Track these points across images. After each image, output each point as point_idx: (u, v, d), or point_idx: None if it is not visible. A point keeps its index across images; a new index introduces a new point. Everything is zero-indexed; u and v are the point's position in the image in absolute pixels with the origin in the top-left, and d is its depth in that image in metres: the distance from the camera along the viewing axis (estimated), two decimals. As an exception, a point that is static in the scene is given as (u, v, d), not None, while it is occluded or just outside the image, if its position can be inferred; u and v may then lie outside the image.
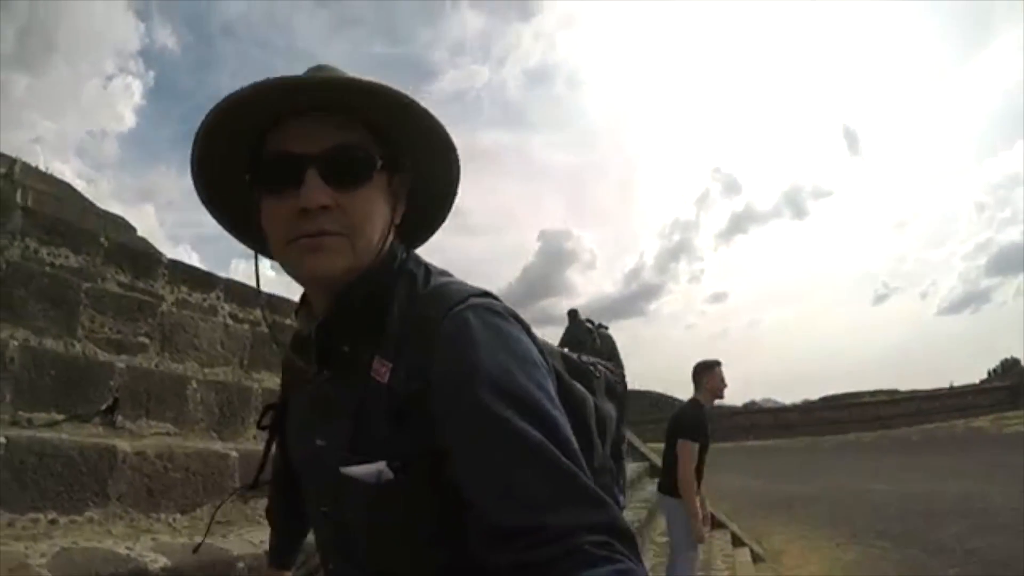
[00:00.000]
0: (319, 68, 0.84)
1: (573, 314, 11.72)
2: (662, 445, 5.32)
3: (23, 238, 3.72)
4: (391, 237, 0.85)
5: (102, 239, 4.32)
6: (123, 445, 2.62)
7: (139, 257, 4.40)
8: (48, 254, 3.85)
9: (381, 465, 0.78)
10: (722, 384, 4.69)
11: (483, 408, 0.70)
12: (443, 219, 0.96)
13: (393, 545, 0.83)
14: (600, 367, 1.07)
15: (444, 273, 0.87)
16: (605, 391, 1.05)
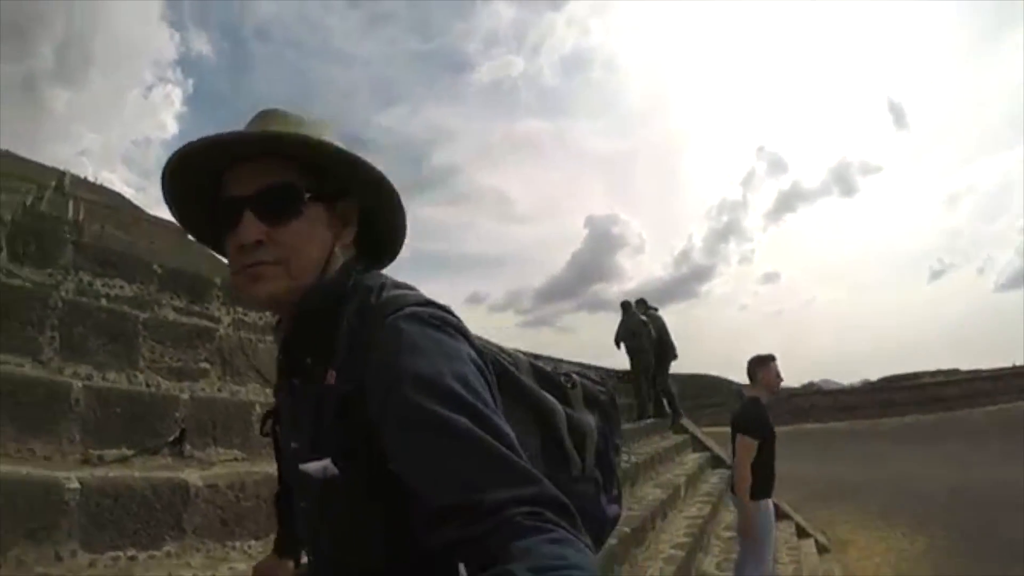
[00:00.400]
0: (263, 115, 0.96)
1: (626, 306, 11.62)
2: (720, 430, 5.26)
3: (76, 272, 3.86)
4: (339, 257, 0.96)
5: (155, 266, 4.45)
6: (195, 479, 2.68)
7: (193, 281, 4.50)
8: (103, 285, 4.01)
9: (327, 461, 0.88)
10: (777, 379, 4.78)
11: (411, 403, 0.76)
12: (399, 239, 1.06)
13: (347, 536, 0.92)
14: (576, 377, 1.12)
15: (400, 286, 0.95)
16: (584, 401, 1.10)
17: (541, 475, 0.74)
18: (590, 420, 1.09)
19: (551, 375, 1.08)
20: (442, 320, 0.87)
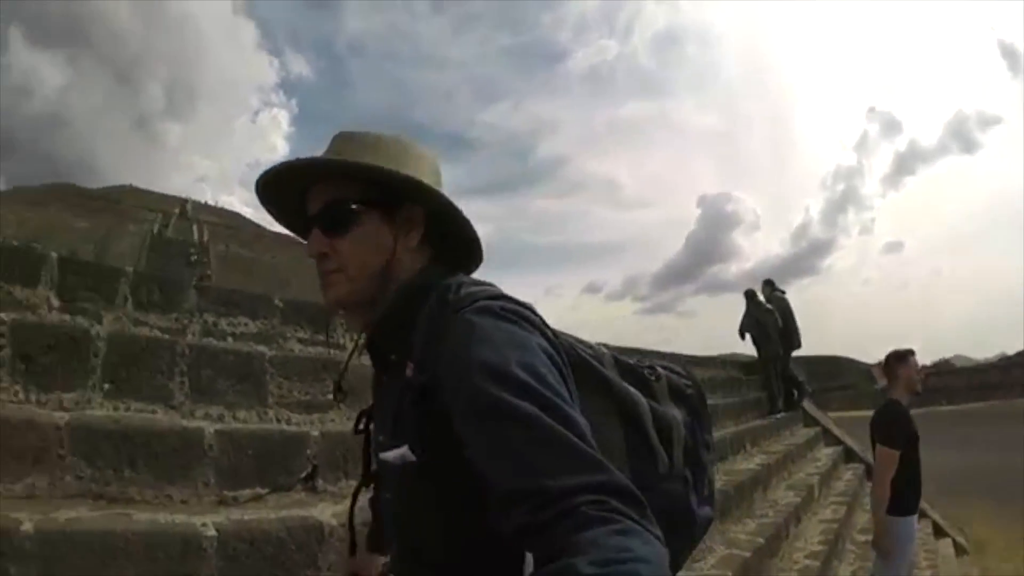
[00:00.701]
0: (335, 139, 1.10)
1: (750, 295, 11.12)
2: (849, 415, 4.87)
3: (201, 314, 4.22)
4: (403, 257, 1.07)
5: (277, 301, 4.79)
6: (327, 518, 2.81)
7: (316, 312, 4.69)
8: (228, 324, 4.36)
9: (404, 448, 0.96)
10: (918, 375, 4.53)
11: (480, 391, 0.83)
12: (471, 239, 1.13)
13: (424, 524, 0.99)
14: (660, 369, 1.14)
15: (477, 283, 1.03)
16: (670, 395, 1.12)
17: (609, 464, 0.76)
18: (676, 414, 1.11)
19: (634, 367, 1.10)
20: (513, 312, 0.93)
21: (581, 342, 1.06)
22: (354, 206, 1.04)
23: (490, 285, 1.03)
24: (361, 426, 1.23)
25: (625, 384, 1.05)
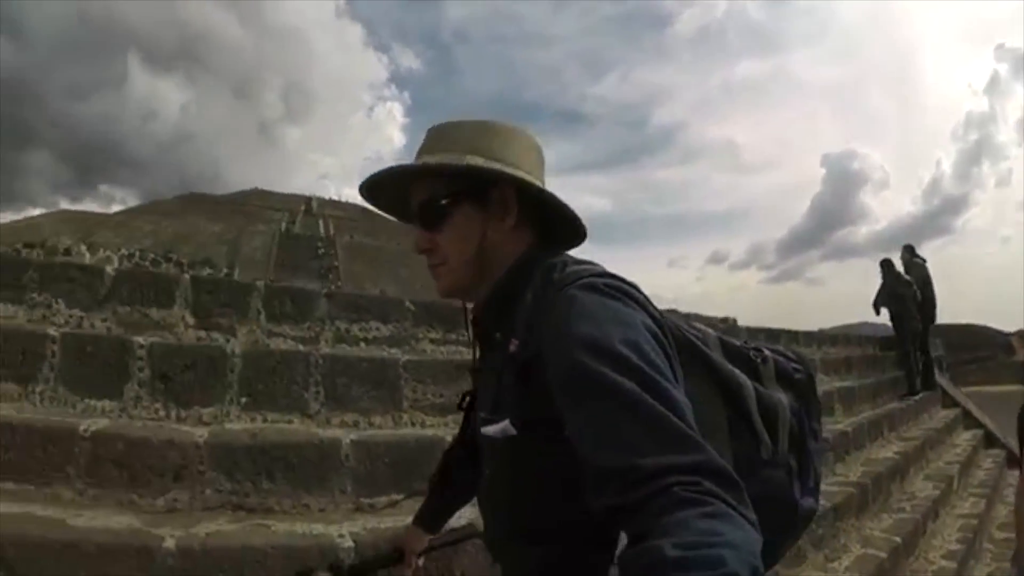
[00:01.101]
0: (428, 133, 1.18)
1: (887, 265, 10.67)
2: (985, 389, 4.36)
3: (333, 322, 4.50)
4: (500, 240, 1.13)
5: (407, 303, 5.02)
6: (463, 524, 2.85)
7: (447, 312, 4.85)
8: (360, 329, 4.60)
9: (505, 422, 1.02)
10: None
11: (580, 366, 0.86)
12: (570, 218, 1.16)
13: (523, 497, 1.06)
14: (767, 352, 1.17)
15: (580, 262, 1.09)
16: (777, 379, 1.15)
17: (706, 444, 0.79)
18: (782, 399, 1.13)
19: (740, 349, 1.15)
20: (618, 289, 0.98)
21: (687, 323, 1.11)
22: (443, 202, 1.12)
23: (593, 264, 1.10)
24: (465, 404, 1.35)
25: (730, 366, 1.09)
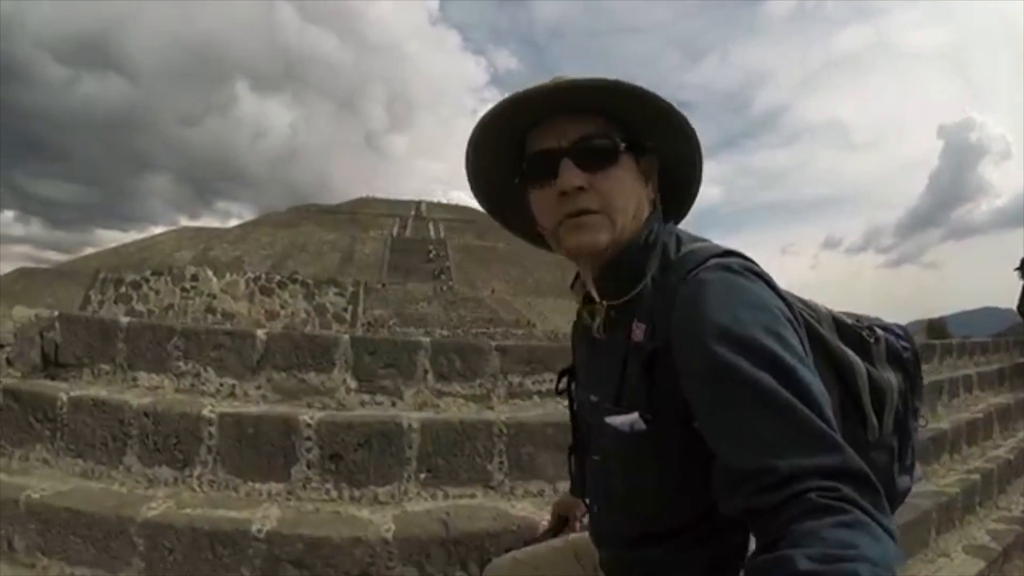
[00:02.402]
0: (559, 78, 1.05)
1: None
2: None
3: (505, 376, 4.13)
4: (648, 212, 1.09)
5: None
6: None
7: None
8: (532, 383, 4.20)
9: (634, 415, 0.99)
10: None
11: (715, 357, 0.83)
12: (695, 192, 1.17)
13: (644, 491, 1.04)
14: (879, 331, 1.14)
15: (696, 239, 1.06)
16: (887, 359, 1.13)
17: (846, 444, 0.76)
18: (891, 379, 1.12)
19: (853, 328, 1.12)
20: (747, 268, 0.94)
21: (802, 301, 1.07)
22: (622, 145, 1.04)
23: (705, 240, 1.06)
24: (562, 386, 1.33)
25: (843, 346, 1.06)
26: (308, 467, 3.17)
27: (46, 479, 3.17)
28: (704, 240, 1.05)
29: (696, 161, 1.12)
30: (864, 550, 0.63)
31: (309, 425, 3.15)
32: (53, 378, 4.08)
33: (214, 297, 14.56)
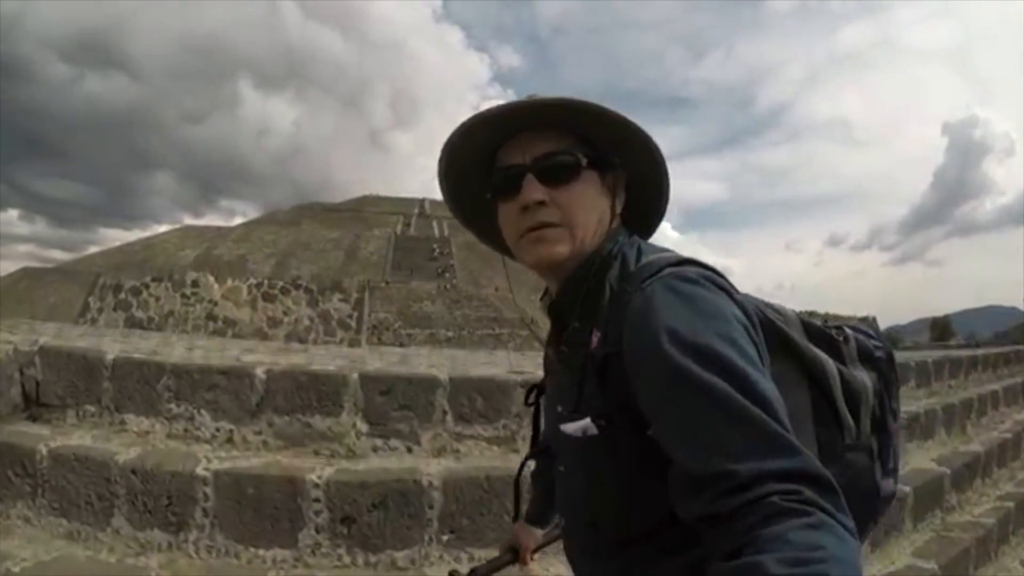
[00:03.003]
0: (530, 96, 1.07)
1: None
2: None
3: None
4: (612, 226, 1.11)
5: None
6: None
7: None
8: None
9: (586, 421, 0.98)
10: None
11: (668, 363, 0.82)
12: (662, 205, 1.17)
13: (605, 500, 1.02)
14: (848, 331, 1.14)
15: (658, 251, 1.06)
16: (859, 358, 1.12)
17: (803, 447, 0.76)
18: (865, 379, 1.09)
19: (821, 329, 1.11)
20: (701, 276, 0.93)
21: (768, 304, 1.06)
22: (584, 160, 1.06)
23: (667, 251, 1.05)
24: (532, 399, 1.32)
25: (813, 347, 1.04)
26: (317, 531, 2.83)
27: (28, 543, 2.88)
28: (667, 251, 1.05)
29: (661, 179, 1.13)
30: (831, 550, 0.63)
31: (317, 485, 2.80)
32: (35, 419, 3.78)
33: (215, 304, 14.22)
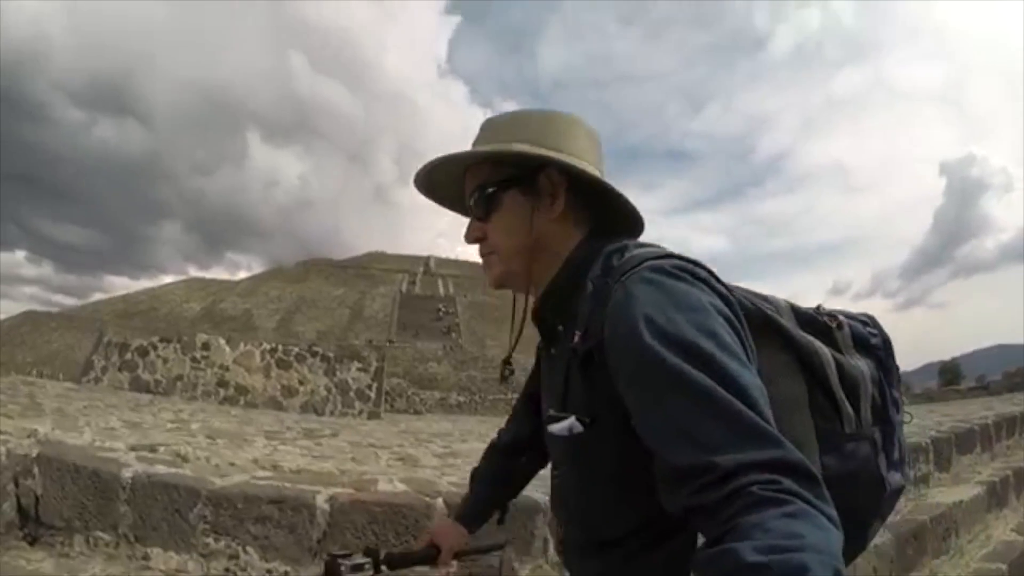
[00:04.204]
0: (483, 124, 1.13)
1: None
2: None
3: None
4: (554, 228, 1.06)
5: None
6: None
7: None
8: None
9: (571, 419, 0.95)
10: None
11: (647, 356, 0.79)
12: (627, 206, 1.09)
13: (594, 497, 0.99)
14: (842, 318, 1.08)
15: (643, 246, 1.00)
16: (854, 345, 1.06)
17: (783, 437, 0.72)
18: (862, 366, 1.03)
19: (814, 316, 1.05)
20: (682, 268, 0.90)
21: (756, 294, 1.01)
22: (490, 190, 1.07)
23: (656, 246, 0.99)
24: (507, 372, 1.28)
25: (805, 334, 0.99)
26: None
27: None
28: (652, 246, 0.98)
29: (592, 179, 1.04)
30: (809, 539, 0.61)
31: None
32: (34, 541, 3.04)
33: (227, 369, 13.44)
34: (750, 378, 0.77)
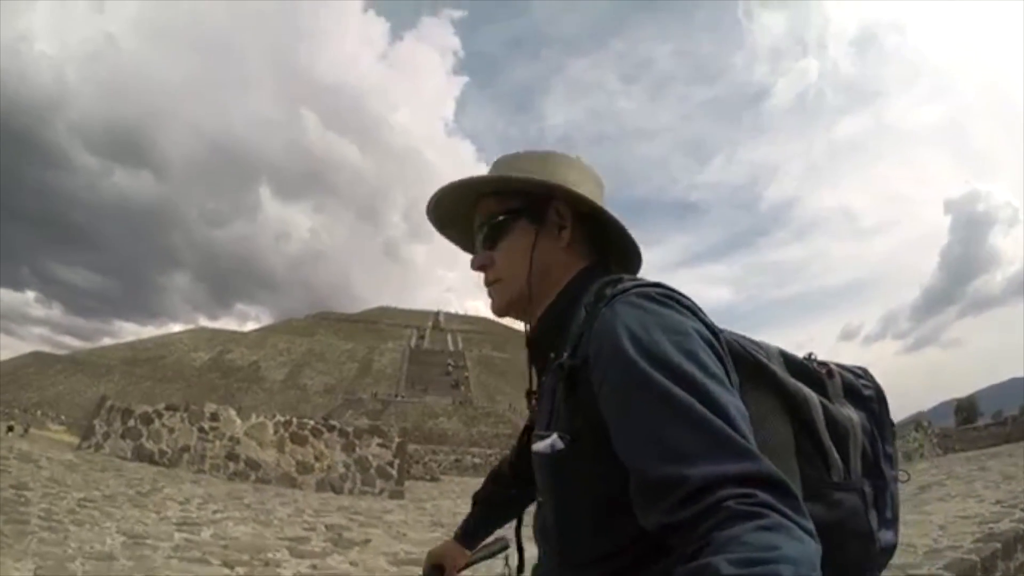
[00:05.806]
0: (496, 162, 1.13)
1: None
2: None
3: None
4: (559, 257, 1.05)
5: None
6: None
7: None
8: None
9: (553, 436, 0.92)
10: None
11: (627, 370, 0.79)
12: (629, 241, 1.08)
13: (570, 519, 0.94)
14: (833, 366, 1.06)
15: (635, 279, 0.99)
16: (844, 394, 1.03)
17: (755, 448, 0.72)
18: (852, 416, 0.99)
19: (803, 362, 1.02)
20: (669, 296, 0.91)
21: (746, 338, 1.00)
22: (500, 218, 1.08)
23: (649, 280, 1.00)
24: (526, 438, 1.27)
25: (794, 380, 0.96)
26: None
27: None
28: (645, 280, 0.99)
29: (596, 210, 1.06)
30: (785, 550, 0.60)
31: None
32: None
33: (237, 442, 12.48)
34: (729, 398, 0.76)
